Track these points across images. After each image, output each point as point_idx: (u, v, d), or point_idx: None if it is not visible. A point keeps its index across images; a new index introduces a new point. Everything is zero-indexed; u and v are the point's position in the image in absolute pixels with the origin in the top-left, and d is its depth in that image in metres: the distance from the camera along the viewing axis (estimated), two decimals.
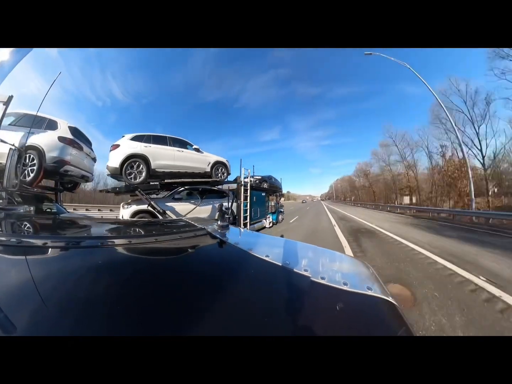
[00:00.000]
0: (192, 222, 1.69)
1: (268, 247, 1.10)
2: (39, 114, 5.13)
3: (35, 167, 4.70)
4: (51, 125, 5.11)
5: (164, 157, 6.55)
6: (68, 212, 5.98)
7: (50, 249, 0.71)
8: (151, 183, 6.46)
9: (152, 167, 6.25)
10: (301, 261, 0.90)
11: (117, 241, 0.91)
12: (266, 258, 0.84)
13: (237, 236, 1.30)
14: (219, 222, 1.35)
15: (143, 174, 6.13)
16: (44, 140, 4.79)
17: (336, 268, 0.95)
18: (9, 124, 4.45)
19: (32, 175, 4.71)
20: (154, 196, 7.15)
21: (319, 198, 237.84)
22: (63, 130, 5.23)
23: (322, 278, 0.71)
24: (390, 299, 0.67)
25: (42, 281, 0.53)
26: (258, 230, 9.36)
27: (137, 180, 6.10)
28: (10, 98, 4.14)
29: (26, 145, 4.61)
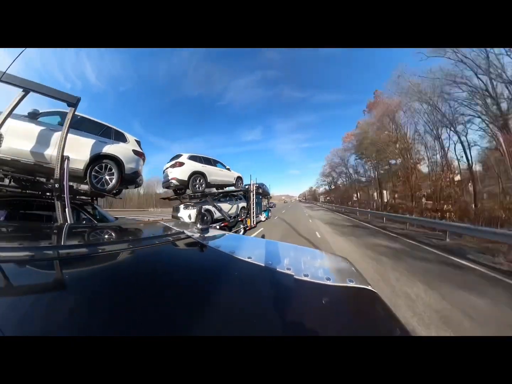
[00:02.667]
0: (171, 226, 1.49)
1: (249, 249, 1.02)
2: (97, 120, 4.61)
3: (113, 176, 4.37)
4: (120, 137, 4.86)
5: (214, 174, 8.46)
6: (117, 218, 5.60)
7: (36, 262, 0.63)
8: (207, 192, 8.40)
9: (208, 181, 7.92)
10: (283, 261, 0.86)
11: (85, 250, 0.81)
12: (249, 260, 0.78)
13: (217, 239, 1.15)
14: (198, 225, 1.19)
15: (203, 185, 7.73)
16: (121, 151, 4.70)
17: (317, 265, 0.92)
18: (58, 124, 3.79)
19: (112, 183, 4.35)
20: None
21: (297, 199, 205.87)
22: (133, 143, 5.17)
23: (305, 275, 0.68)
24: (369, 287, 0.67)
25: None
26: (258, 222, 13.32)
27: (200, 189, 7.64)
28: (78, 100, 3.48)
29: (101, 153, 4.18)
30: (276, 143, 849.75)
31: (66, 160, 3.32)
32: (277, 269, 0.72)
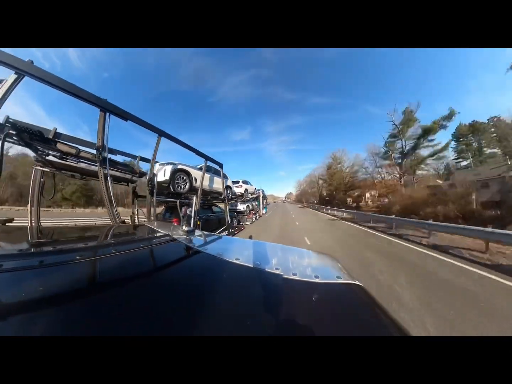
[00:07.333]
0: (155, 228, 1.35)
1: (236, 250, 0.94)
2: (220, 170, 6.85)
3: (230, 193, 8.48)
4: (227, 176, 7.94)
5: (249, 189, 14.34)
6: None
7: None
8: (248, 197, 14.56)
9: (248, 192, 14.06)
10: (271, 261, 0.81)
11: (74, 254, 0.67)
12: (237, 261, 0.73)
13: (204, 241, 1.05)
14: (184, 227, 1.09)
15: (248, 194, 13.85)
16: (228, 183, 8.39)
17: (305, 263, 0.85)
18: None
19: (230, 196, 8.59)
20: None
21: (283, 199, 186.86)
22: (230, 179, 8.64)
23: (294, 274, 0.64)
24: (357, 282, 0.63)
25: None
26: (260, 216, 18.24)
27: (247, 196, 13.75)
28: (222, 164, 5.74)
29: (227, 185, 7.72)
30: (265, 144, 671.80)
31: (229, 188, 7.60)
32: (266, 269, 0.68)
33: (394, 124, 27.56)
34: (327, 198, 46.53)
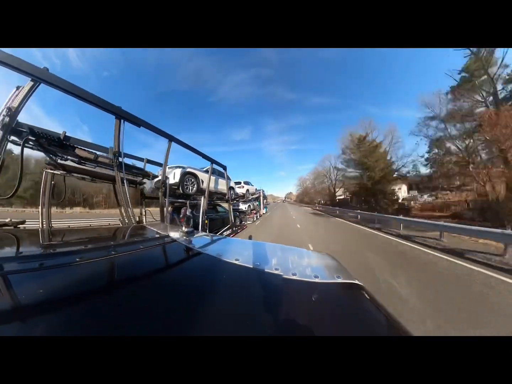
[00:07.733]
0: (155, 229, 1.35)
1: (236, 251, 0.92)
2: (224, 172, 7.04)
3: (233, 193, 8.49)
4: (229, 178, 7.77)
5: (250, 189, 14.59)
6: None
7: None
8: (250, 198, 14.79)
9: (250, 193, 14.31)
10: (271, 261, 0.80)
11: (75, 256, 0.65)
12: (236, 262, 0.72)
13: (203, 242, 1.06)
14: (183, 228, 1.11)
15: (249, 195, 14.09)
16: (234, 185, 9.14)
17: (305, 263, 0.84)
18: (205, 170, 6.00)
19: (233, 197, 8.67)
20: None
21: (283, 199, 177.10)
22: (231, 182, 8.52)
23: (294, 274, 0.63)
24: (356, 281, 0.62)
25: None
26: (260, 215, 18.14)
27: (248, 196, 14.07)
28: (226, 167, 5.93)
29: (230, 186, 7.75)
30: (265, 144, 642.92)
31: (232, 189, 7.79)
32: (265, 270, 0.67)
33: (472, 53, 14.23)
34: (350, 196, 30.95)
